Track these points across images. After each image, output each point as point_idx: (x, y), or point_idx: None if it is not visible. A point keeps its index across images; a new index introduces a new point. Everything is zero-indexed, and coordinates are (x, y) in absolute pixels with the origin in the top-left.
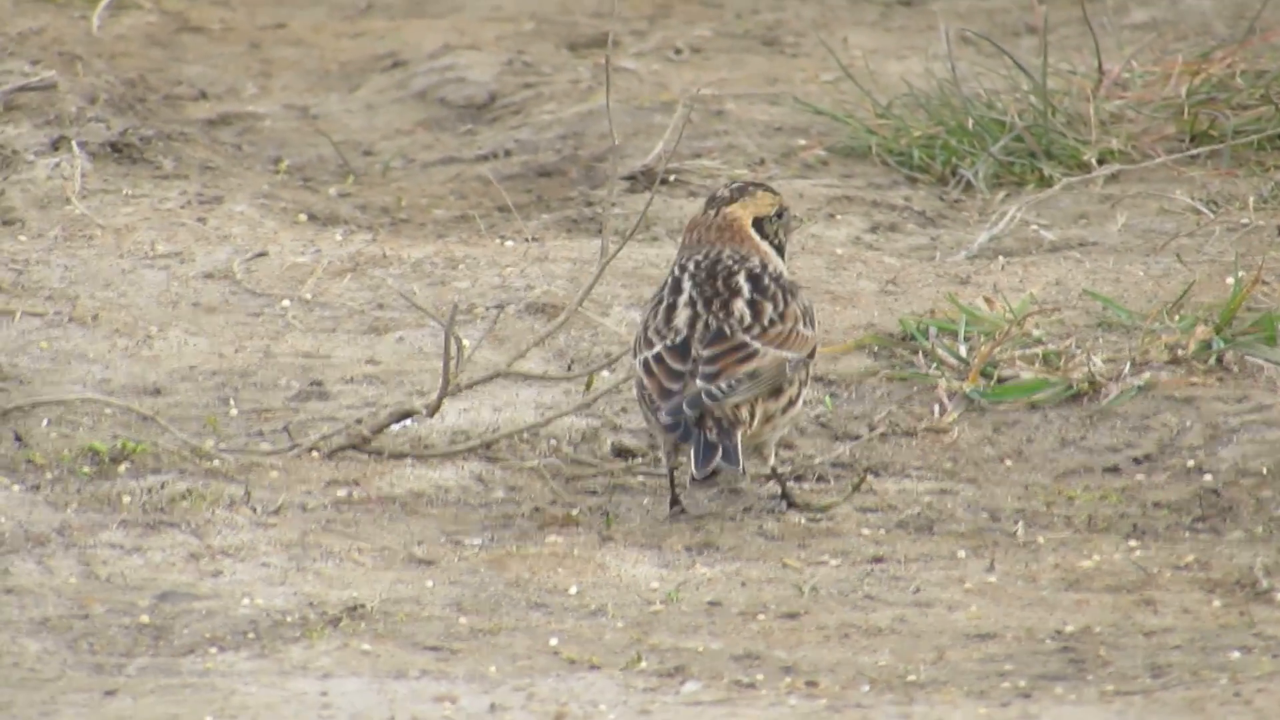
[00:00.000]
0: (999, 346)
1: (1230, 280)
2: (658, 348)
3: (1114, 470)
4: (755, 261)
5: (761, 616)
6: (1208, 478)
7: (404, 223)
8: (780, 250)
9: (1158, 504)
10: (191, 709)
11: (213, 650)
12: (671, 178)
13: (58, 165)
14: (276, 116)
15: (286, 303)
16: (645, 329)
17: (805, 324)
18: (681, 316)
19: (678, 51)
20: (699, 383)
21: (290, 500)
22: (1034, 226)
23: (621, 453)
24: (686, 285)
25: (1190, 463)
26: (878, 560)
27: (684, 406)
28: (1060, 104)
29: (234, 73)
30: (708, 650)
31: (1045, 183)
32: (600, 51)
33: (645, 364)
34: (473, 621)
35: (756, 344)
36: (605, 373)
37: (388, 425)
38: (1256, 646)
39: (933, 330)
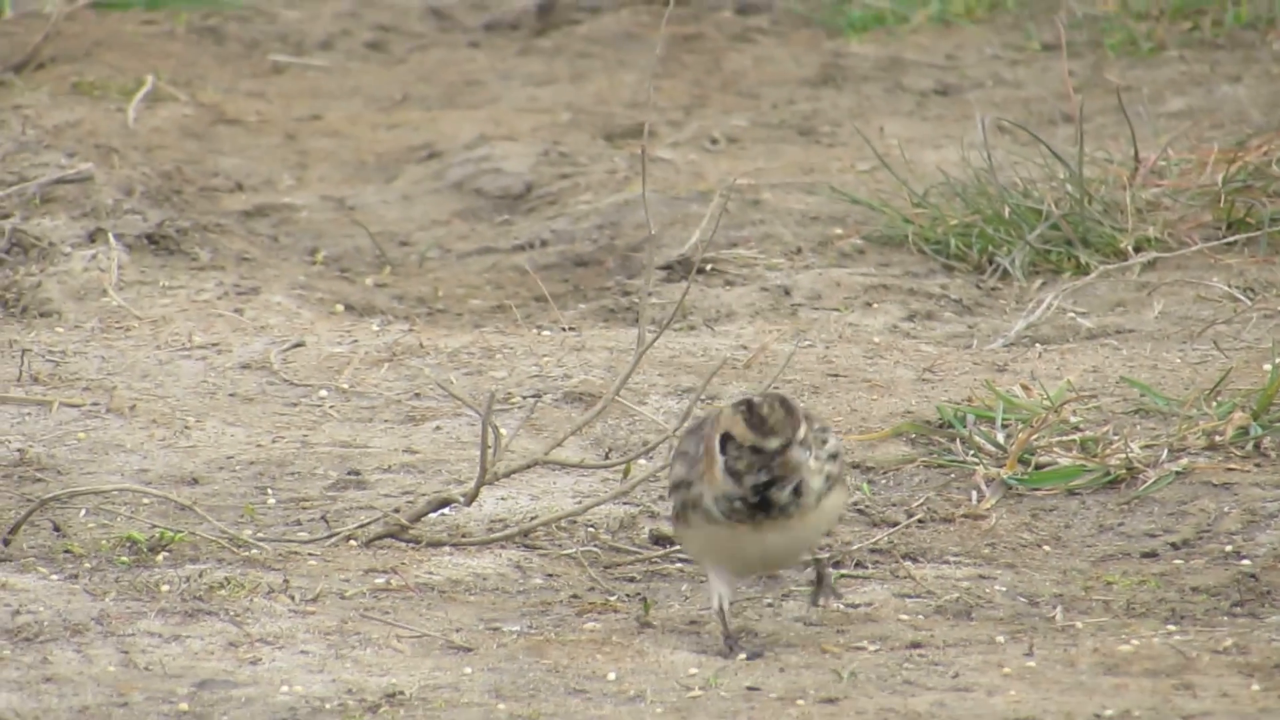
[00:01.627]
0: (1036, 433)
1: (1267, 366)
2: None
3: (1152, 555)
4: None
5: (801, 702)
6: (1245, 562)
7: (441, 313)
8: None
9: (1196, 589)
10: None
11: None
12: (708, 267)
13: (94, 257)
14: (313, 207)
15: (324, 393)
16: None
17: None
18: None
19: (714, 141)
20: None
21: (328, 588)
22: (1071, 314)
23: (659, 540)
24: None
25: (1228, 547)
26: (916, 645)
27: None
28: (1097, 192)
29: (270, 164)
30: None
31: (1082, 270)
32: (636, 142)
33: None
34: (511, 708)
35: None
36: (643, 460)
37: (425, 513)
38: None
39: (970, 418)
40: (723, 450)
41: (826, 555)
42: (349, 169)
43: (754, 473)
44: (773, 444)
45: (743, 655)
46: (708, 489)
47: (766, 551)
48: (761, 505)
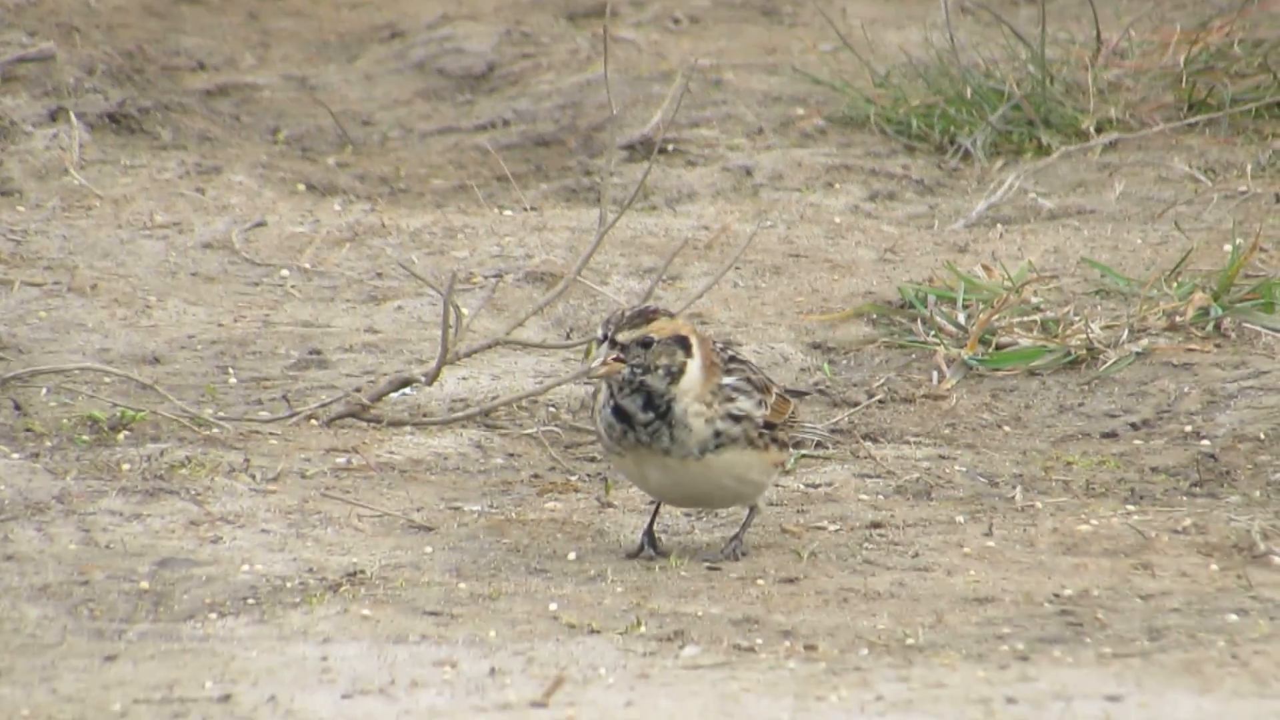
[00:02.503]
0: (997, 314)
1: (1228, 247)
2: None
3: (1112, 436)
4: None
5: (761, 581)
6: (1205, 443)
7: (402, 192)
8: None
9: (1155, 469)
10: (192, 674)
11: (213, 616)
12: (670, 147)
13: (56, 136)
14: (275, 87)
15: (285, 272)
16: None
17: None
18: None
19: (676, 21)
20: None
21: (289, 468)
22: (1032, 195)
23: None
24: None
25: (1188, 428)
26: (876, 525)
27: None
28: (1058, 73)
29: (232, 43)
30: (707, 615)
31: (1043, 151)
32: (599, 21)
33: None
34: (472, 587)
35: None
36: None
37: (387, 393)
38: (1253, 609)
39: (931, 298)
40: None
41: (755, 517)
42: (311, 48)
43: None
44: (601, 329)
45: (652, 552)
46: (599, 400)
47: (662, 488)
48: (622, 412)
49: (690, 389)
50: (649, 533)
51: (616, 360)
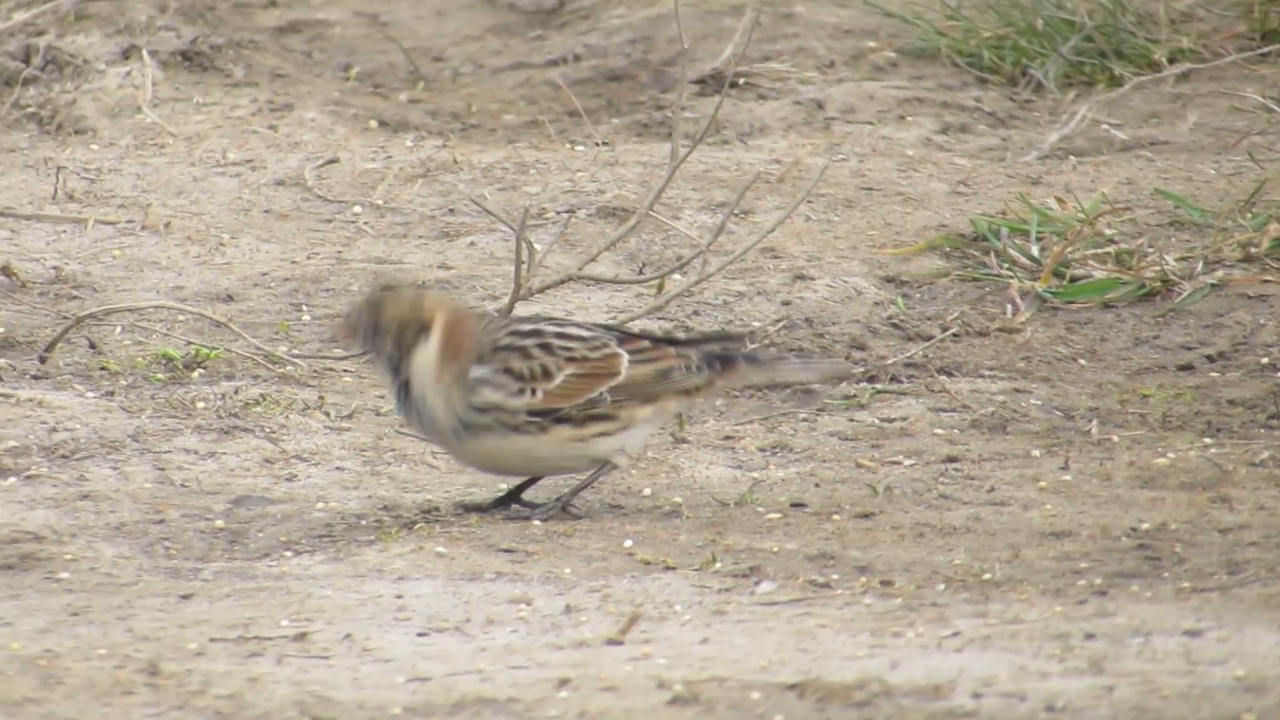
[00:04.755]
0: (1071, 246)
1: None
2: None
3: (1188, 368)
4: None
5: (836, 516)
6: None
7: (474, 128)
8: None
9: (1232, 401)
10: (267, 612)
11: (288, 554)
12: (741, 81)
13: (128, 74)
14: (346, 23)
15: (358, 209)
16: None
17: None
18: None
19: None
20: None
21: (364, 405)
22: (1105, 126)
23: None
24: None
25: (1264, 360)
26: (952, 460)
27: None
28: (1130, 3)
29: None
30: (782, 551)
31: (1116, 82)
32: None
33: None
34: (547, 524)
35: None
36: (677, 275)
37: None
38: None
39: (1004, 231)
40: None
41: (604, 475)
42: None
43: None
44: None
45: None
46: None
47: (462, 464)
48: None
49: (422, 368)
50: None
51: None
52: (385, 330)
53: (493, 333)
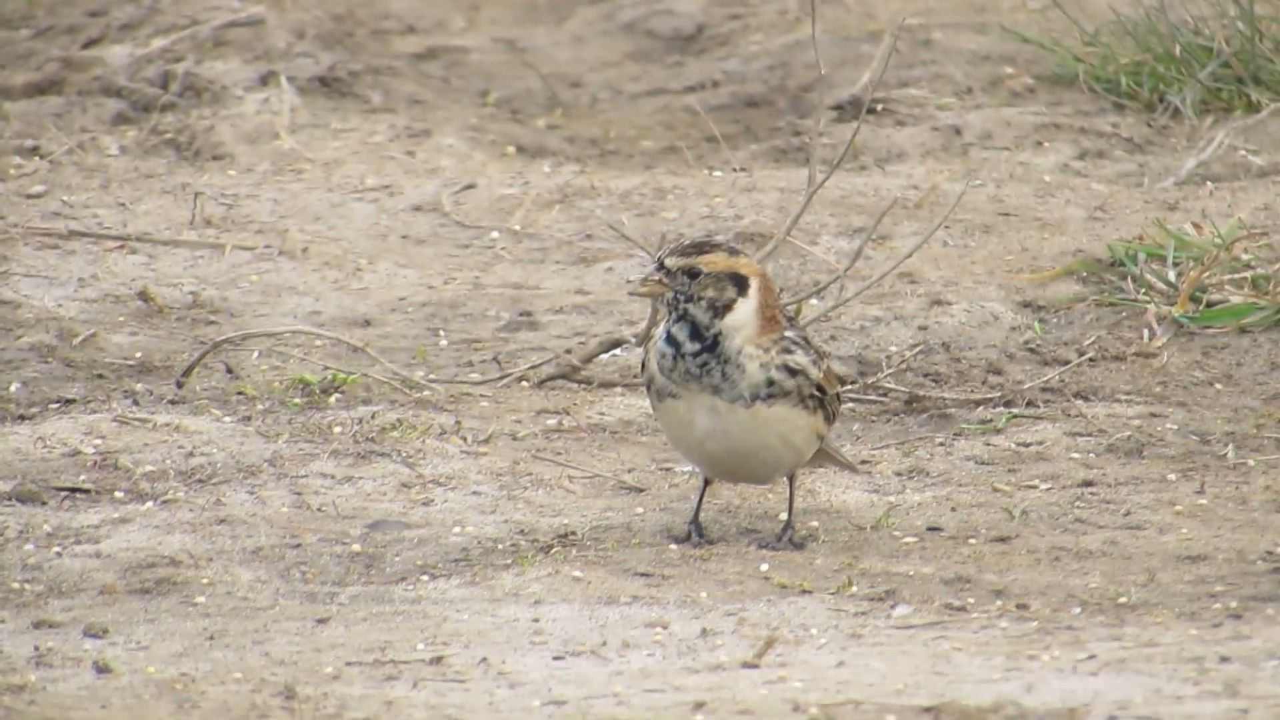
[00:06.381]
0: (1207, 271)
1: None
2: None
3: None
4: None
5: (972, 540)
6: None
7: (612, 154)
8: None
9: None
10: (404, 636)
11: (424, 578)
12: (879, 107)
13: (266, 100)
14: (484, 50)
15: (495, 234)
16: None
17: None
18: None
19: None
20: None
21: (500, 429)
22: (1242, 152)
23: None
24: None
25: None
26: (1088, 484)
27: None
28: (1268, 30)
29: (441, 6)
30: (918, 574)
31: (1253, 108)
32: None
33: None
34: (683, 548)
35: None
36: (814, 300)
37: (597, 354)
38: None
39: (1141, 256)
40: None
41: (799, 499)
42: (520, 10)
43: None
44: (659, 252)
45: (699, 539)
46: (654, 340)
47: (708, 437)
48: (672, 340)
49: (741, 328)
50: (695, 521)
51: (658, 284)
52: (705, 280)
53: (782, 309)
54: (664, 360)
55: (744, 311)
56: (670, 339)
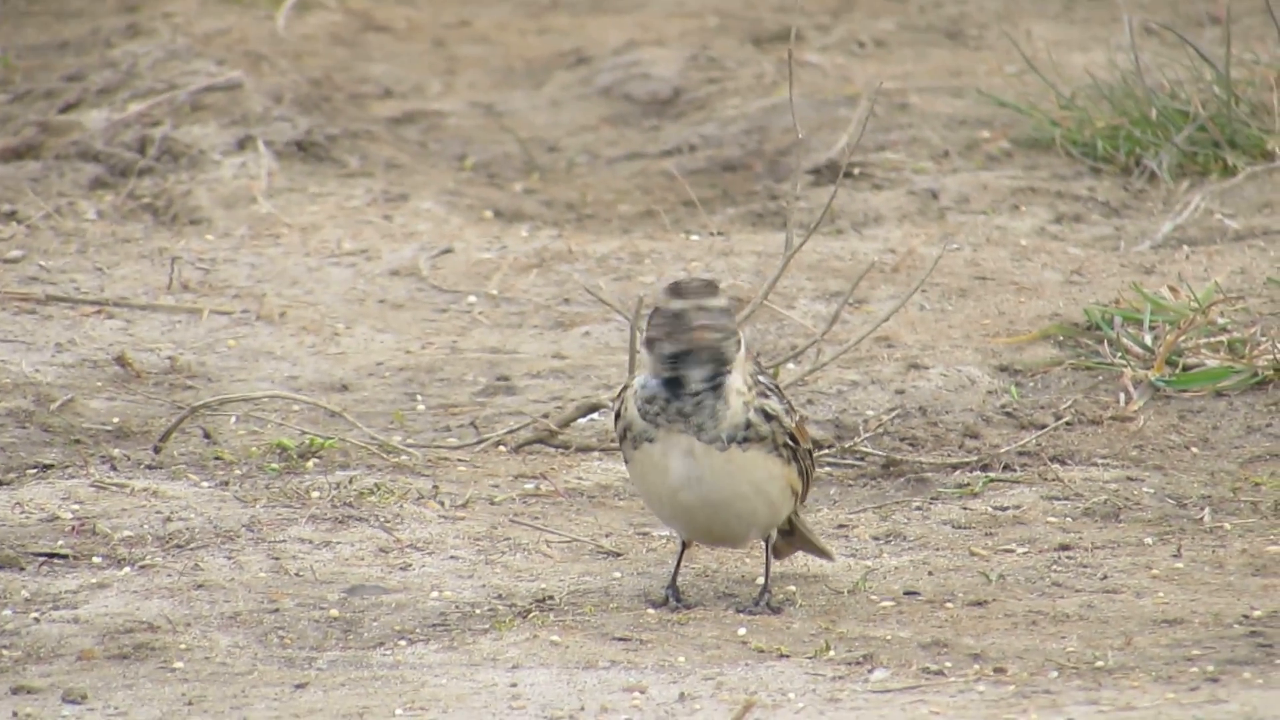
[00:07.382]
0: (1184, 335)
1: None
2: None
3: None
4: None
5: (949, 604)
6: None
7: (589, 218)
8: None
9: None
10: (382, 701)
11: (402, 643)
12: (856, 170)
13: (244, 164)
14: (462, 114)
15: (473, 299)
16: None
17: None
18: None
19: (861, 45)
20: None
21: (478, 494)
22: (1218, 216)
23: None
24: None
25: None
26: (1065, 548)
27: None
28: (1244, 94)
29: (419, 70)
30: (896, 638)
31: (1229, 172)
32: (783, 46)
33: None
34: (661, 612)
35: None
36: (791, 364)
37: (575, 419)
38: None
39: (1118, 320)
40: (648, 325)
41: (775, 563)
42: (497, 75)
43: (669, 340)
44: (677, 305)
45: (676, 604)
46: (632, 389)
47: (685, 484)
48: (675, 383)
49: (740, 364)
50: (673, 585)
51: (704, 328)
52: (734, 322)
53: None
54: (650, 405)
55: (743, 347)
56: (671, 383)
